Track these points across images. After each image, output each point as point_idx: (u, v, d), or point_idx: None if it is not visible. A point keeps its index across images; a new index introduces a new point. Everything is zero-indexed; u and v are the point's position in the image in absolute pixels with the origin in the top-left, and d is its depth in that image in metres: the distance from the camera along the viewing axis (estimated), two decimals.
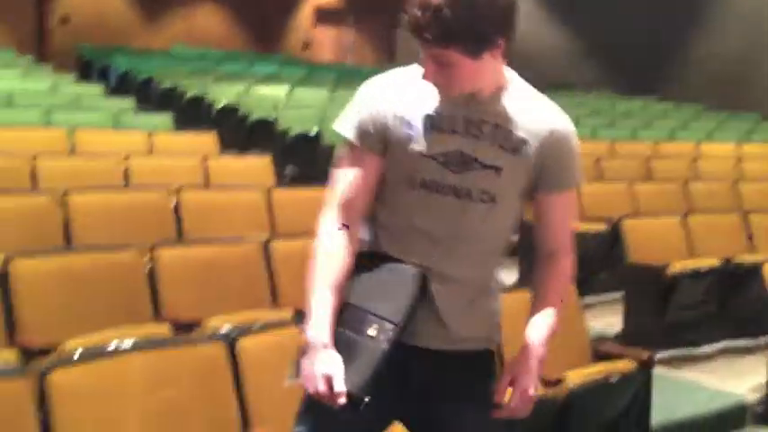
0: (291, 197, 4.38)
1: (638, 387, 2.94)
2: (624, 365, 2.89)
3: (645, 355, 2.99)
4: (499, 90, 1.66)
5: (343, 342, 1.59)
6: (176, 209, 3.97)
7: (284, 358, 1.74)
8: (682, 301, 4.19)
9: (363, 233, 1.69)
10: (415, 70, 1.65)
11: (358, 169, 1.65)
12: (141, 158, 4.88)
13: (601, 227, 5.00)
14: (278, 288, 3.34)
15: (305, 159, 6.66)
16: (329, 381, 1.56)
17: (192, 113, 7.76)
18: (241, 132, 7.31)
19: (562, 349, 3.09)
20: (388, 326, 1.58)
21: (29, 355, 2.50)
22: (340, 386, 1.56)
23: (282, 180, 5.91)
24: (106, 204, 3.81)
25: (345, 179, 1.67)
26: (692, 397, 3.64)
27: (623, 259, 4.57)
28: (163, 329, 2.65)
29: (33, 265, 2.89)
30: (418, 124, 1.63)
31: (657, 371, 3.16)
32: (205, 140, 5.82)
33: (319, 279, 1.63)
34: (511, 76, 1.69)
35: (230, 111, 7.70)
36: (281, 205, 4.23)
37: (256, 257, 3.34)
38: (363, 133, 1.65)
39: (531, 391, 1.69)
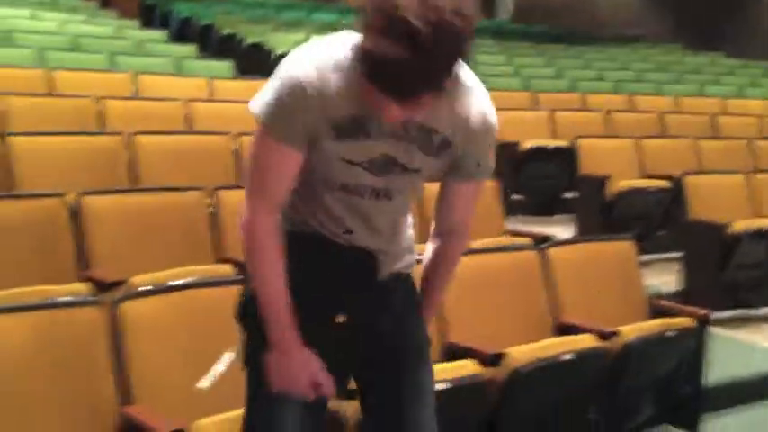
0: None
1: (693, 344, 2.92)
2: (680, 322, 2.88)
3: (701, 312, 2.97)
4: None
5: (312, 334, 1.60)
6: (237, 153, 4.04)
7: None
8: (742, 262, 4.12)
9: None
10: (343, 47, 1.49)
11: (283, 163, 1.54)
12: (202, 104, 4.96)
13: (662, 183, 4.92)
14: None
15: None
16: (314, 381, 1.60)
17: (251, 61, 7.81)
18: None
19: (619, 305, 3.10)
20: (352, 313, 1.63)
21: (98, 287, 2.61)
22: (329, 385, 1.61)
23: None
24: (170, 147, 3.90)
25: (271, 172, 1.55)
26: (746, 357, 3.60)
27: (684, 217, 4.50)
28: (225, 269, 2.73)
29: (103, 202, 3.00)
30: (346, 129, 1.52)
31: (713, 330, 3.14)
32: None
33: (274, 280, 1.58)
34: None
35: None
36: None
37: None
38: (289, 129, 1.51)
39: None
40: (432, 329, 2.59)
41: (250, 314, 1.61)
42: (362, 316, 1.68)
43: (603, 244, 3.28)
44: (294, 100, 1.49)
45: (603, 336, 2.66)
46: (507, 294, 2.86)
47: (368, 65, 1.37)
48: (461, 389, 2.22)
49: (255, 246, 1.58)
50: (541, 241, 3.33)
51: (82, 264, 2.90)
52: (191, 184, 3.29)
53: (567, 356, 2.46)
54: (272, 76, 1.53)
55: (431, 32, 1.32)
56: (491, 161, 1.67)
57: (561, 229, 5.06)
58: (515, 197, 5.72)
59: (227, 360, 1.61)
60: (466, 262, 2.78)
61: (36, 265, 2.78)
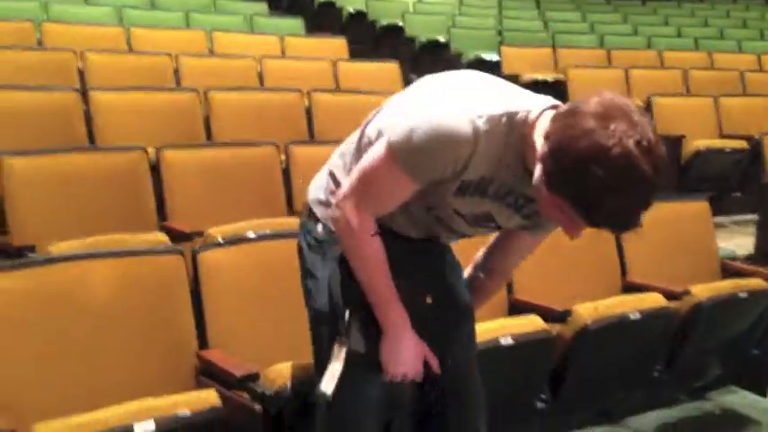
0: None
1: (766, 307, 2.87)
2: (754, 284, 2.82)
3: None
4: None
5: (411, 319, 1.65)
6: (308, 110, 4.10)
7: None
8: None
9: None
10: (500, 104, 1.48)
11: (402, 190, 1.55)
12: (274, 61, 5.03)
13: (740, 144, 4.77)
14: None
15: (431, 67, 6.62)
16: (424, 361, 1.66)
17: (321, 19, 7.83)
18: (369, 38, 7.34)
19: (690, 266, 3.05)
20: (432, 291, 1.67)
21: (176, 237, 2.72)
22: (436, 365, 1.67)
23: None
24: (243, 103, 3.98)
25: (387, 192, 1.57)
26: None
27: (761, 178, 4.37)
28: (297, 222, 2.79)
29: (180, 156, 3.10)
30: (470, 188, 1.53)
31: None
32: (335, 45, 5.89)
33: (383, 268, 1.61)
34: None
35: (359, 17, 7.72)
36: None
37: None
38: (423, 172, 1.51)
39: None
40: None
41: (350, 302, 1.66)
42: (443, 291, 1.74)
43: (677, 204, 3.23)
44: (443, 155, 1.47)
45: (673, 295, 2.64)
46: (575, 252, 2.85)
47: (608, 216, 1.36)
48: (527, 345, 2.24)
49: (362, 243, 1.59)
50: None
51: (161, 215, 3.02)
52: (263, 138, 3.37)
53: (635, 315, 2.45)
54: (419, 113, 1.49)
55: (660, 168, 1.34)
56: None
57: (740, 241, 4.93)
58: None
59: (341, 356, 1.66)
60: None
61: (118, 215, 2.90)
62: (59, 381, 1.89)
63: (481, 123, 1.46)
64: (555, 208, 1.42)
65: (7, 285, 1.92)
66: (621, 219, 1.39)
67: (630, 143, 1.32)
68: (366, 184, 1.57)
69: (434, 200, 1.59)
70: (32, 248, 2.52)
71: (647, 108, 5.21)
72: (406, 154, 1.50)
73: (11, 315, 1.90)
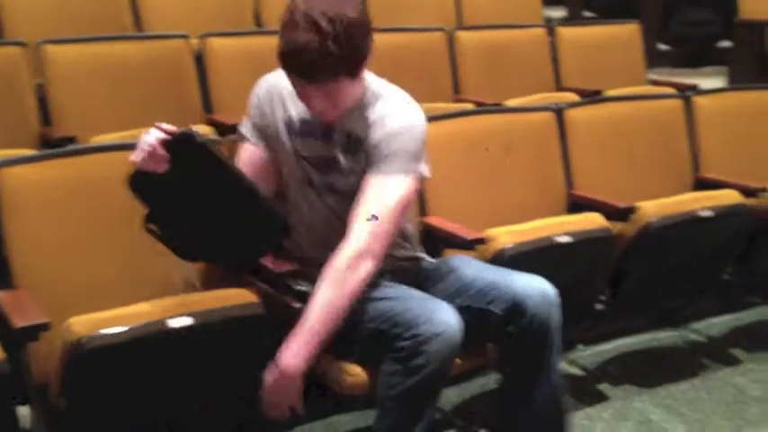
0: None
1: None
2: None
3: None
4: (358, 101, 1.74)
5: None
6: None
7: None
8: None
9: None
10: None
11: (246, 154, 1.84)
12: None
13: None
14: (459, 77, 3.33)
15: None
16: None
17: None
18: None
19: None
20: None
21: (223, 131, 2.63)
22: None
23: None
24: None
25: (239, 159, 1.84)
26: None
27: None
28: None
29: (226, 44, 2.98)
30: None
31: None
32: None
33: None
34: (368, 79, 1.77)
35: None
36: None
37: (442, 46, 3.31)
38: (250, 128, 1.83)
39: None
40: (556, 181, 2.48)
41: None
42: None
43: (758, 93, 2.96)
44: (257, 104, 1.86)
45: (749, 192, 2.44)
46: (644, 146, 2.66)
47: (297, 58, 1.59)
48: (585, 243, 2.10)
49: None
50: (687, 90, 3.04)
51: (207, 107, 2.93)
52: None
53: (706, 213, 2.27)
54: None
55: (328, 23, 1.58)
56: (403, 160, 1.73)
57: (710, 82, 4.64)
58: (661, 47, 5.27)
59: None
60: (595, 111, 2.61)
61: (162, 107, 2.82)
62: (94, 274, 1.86)
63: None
64: (320, 98, 1.68)
65: (45, 174, 1.88)
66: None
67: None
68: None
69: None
70: (73, 140, 2.47)
71: None
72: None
73: (47, 205, 1.85)
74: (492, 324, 1.73)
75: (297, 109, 1.79)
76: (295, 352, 1.64)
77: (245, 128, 1.86)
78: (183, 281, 1.89)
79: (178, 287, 1.87)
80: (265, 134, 1.83)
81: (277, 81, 1.81)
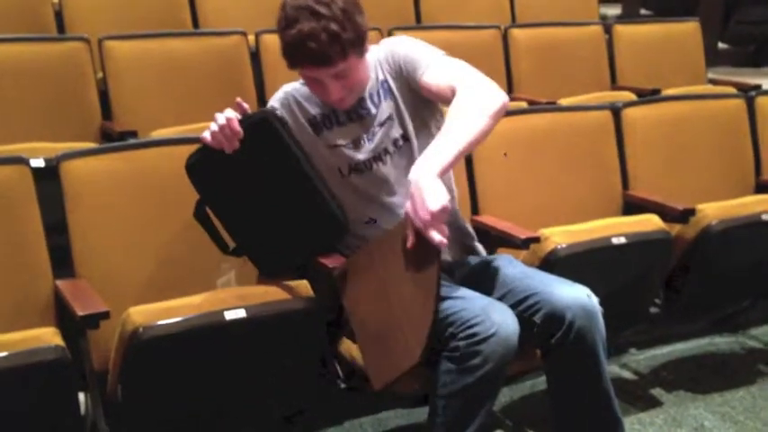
0: None
1: None
2: None
3: None
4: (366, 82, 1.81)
5: None
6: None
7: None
8: None
9: None
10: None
11: None
12: None
13: None
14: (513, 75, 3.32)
15: None
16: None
17: None
18: None
19: None
20: None
21: None
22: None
23: None
24: None
25: None
26: None
27: None
28: None
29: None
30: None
31: None
32: None
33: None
34: None
35: None
36: None
37: (496, 44, 3.30)
38: None
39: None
40: (612, 182, 2.44)
41: None
42: None
43: None
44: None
45: None
46: (704, 147, 2.59)
47: (303, 46, 1.64)
48: (641, 245, 2.07)
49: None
50: (749, 90, 2.96)
51: (262, 101, 2.95)
52: (372, 25, 3.22)
53: None
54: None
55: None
56: (423, 54, 1.79)
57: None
58: (720, 46, 5.15)
59: None
60: (653, 110, 2.56)
61: (220, 102, 2.81)
62: (151, 265, 1.89)
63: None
64: (334, 83, 1.73)
65: (106, 167, 1.92)
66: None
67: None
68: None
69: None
70: (134, 134, 2.51)
71: None
72: None
73: (108, 197, 1.90)
74: (533, 333, 1.71)
75: (316, 107, 1.82)
76: (430, 163, 1.59)
77: None
78: (222, 284, 1.90)
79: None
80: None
81: (285, 93, 1.85)
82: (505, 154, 2.29)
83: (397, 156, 1.81)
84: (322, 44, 1.63)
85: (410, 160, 1.75)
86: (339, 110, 1.81)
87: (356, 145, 1.81)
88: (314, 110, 1.83)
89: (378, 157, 1.81)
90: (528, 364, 1.86)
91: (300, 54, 1.66)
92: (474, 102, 1.65)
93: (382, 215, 1.81)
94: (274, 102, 1.86)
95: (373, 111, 1.81)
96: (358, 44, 1.69)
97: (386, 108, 1.81)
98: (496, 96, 1.67)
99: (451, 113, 1.67)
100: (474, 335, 1.57)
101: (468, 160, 2.24)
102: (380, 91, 1.82)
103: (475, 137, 1.63)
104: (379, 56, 1.83)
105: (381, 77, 1.82)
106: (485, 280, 1.82)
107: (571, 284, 1.73)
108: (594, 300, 1.71)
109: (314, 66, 1.67)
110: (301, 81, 1.83)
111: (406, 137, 1.82)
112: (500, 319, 1.58)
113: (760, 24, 5.09)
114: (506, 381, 2.29)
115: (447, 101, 1.72)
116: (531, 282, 1.76)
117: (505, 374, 1.64)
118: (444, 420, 1.65)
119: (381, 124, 1.81)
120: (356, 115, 1.82)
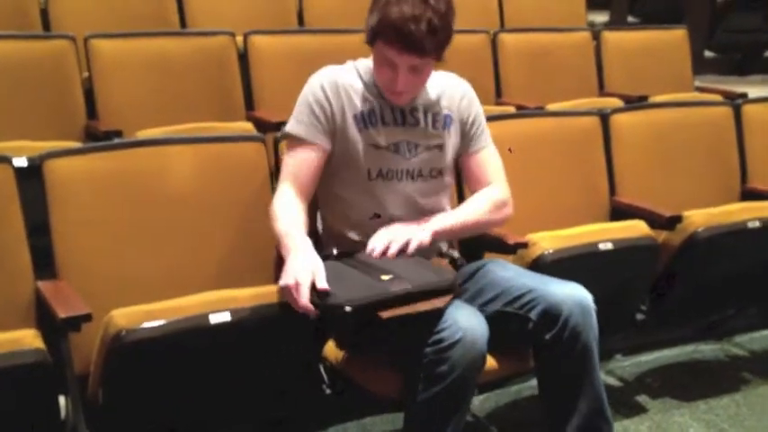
0: None
1: None
2: None
3: None
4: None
5: (346, 273, 1.62)
6: None
7: None
8: None
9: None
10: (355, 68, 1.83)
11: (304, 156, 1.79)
12: None
13: None
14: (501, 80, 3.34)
15: None
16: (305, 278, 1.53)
17: None
18: None
19: None
20: (407, 284, 1.55)
21: (264, 128, 2.63)
22: (322, 283, 1.52)
23: None
24: None
25: (293, 162, 1.79)
26: None
27: None
28: None
29: (269, 43, 2.98)
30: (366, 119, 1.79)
31: None
32: None
33: (289, 226, 1.69)
34: None
35: None
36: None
37: (484, 49, 3.31)
38: (313, 129, 1.78)
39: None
40: (599, 188, 2.44)
41: None
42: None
43: None
44: (316, 105, 1.86)
45: None
46: (690, 154, 2.60)
47: (402, 27, 1.61)
48: (628, 251, 2.07)
49: (273, 211, 1.77)
50: (735, 98, 2.98)
51: (249, 104, 2.94)
52: (356, 27, 3.20)
53: (755, 224, 2.22)
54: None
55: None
56: (485, 128, 1.92)
57: (758, 91, 4.54)
58: (707, 54, 5.18)
59: None
60: (641, 116, 2.57)
61: (205, 103, 2.85)
62: (135, 267, 1.86)
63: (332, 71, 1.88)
64: (408, 74, 1.72)
65: (90, 167, 1.89)
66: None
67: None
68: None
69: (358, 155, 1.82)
70: (120, 133, 2.49)
71: None
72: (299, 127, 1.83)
73: (92, 197, 1.87)
74: (528, 330, 1.71)
75: (364, 103, 1.79)
76: (429, 226, 1.76)
77: (301, 128, 1.79)
78: None
79: None
80: (332, 130, 1.78)
81: (336, 77, 1.80)
82: (510, 149, 2.29)
83: (426, 184, 1.83)
84: (421, 32, 1.61)
85: (433, 194, 1.84)
86: (386, 108, 1.79)
87: (396, 150, 1.80)
88: (362, 105, 1.79)
89: (411, 174, 1.81)
90: (517, 367, 1.85)
91: (396, 34, 1.62)
92: (493, 209, 1.87)
93: (382, 227, 1.79)
94: (323, 84, 1.78)
95: (422, 123, 1.82)
96: (444, 46, 1.69)
97: (443, 136, 1.84)
98: (507, 211, 1.90)
99: (474, 199, 1.88)
100: (440, 341, 1.54)
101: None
102: (444, 117, 1.85)
103: (473, 230, 1.89)
104: (456, 89, 1.88)
105: (446, 111, 1.85)
106: (474, 284, 1.81)
107: (566, 283, 1.74)
108: (590, 298, 1.72)
109: (403, 50, 1.64)
110: (346, 69, 1.82)
111: (441, 172, 1.85)
112: (467, 324, 1.56)
113: (746, 33, 5.13)
114: (491, 386, 2.31)
115: (476, 184, 1.90)
116: (527, 280, 1.76)
117: (476, 383, 1.61)
118: (418, 428, 1.63)
119: (429, 148, 1.83)
120: (402, 119, 1.81)
